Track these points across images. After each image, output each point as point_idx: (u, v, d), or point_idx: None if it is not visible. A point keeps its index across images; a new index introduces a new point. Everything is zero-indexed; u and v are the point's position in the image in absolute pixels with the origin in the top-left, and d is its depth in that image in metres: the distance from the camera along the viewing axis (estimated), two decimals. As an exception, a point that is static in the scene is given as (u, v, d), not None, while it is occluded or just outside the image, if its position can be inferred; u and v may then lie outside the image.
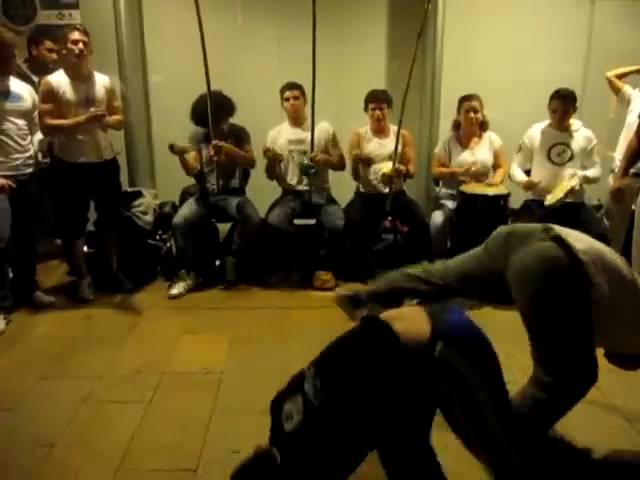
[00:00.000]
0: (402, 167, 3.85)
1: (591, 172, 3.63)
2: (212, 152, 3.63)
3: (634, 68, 3.73)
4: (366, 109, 3.96)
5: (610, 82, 3.81)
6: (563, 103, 3.58)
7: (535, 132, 3.74)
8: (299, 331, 3.19)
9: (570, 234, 1.79)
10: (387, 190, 3.87)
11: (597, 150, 3.70)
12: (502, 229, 1.94)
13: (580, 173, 3.59)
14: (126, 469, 2.09)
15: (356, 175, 4.06)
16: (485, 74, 4.44)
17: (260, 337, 3.14)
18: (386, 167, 3.84)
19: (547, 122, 3.72)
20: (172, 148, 3.57)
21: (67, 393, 2.59)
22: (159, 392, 2.60)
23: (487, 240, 1.97)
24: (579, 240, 1.77)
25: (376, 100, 3.90)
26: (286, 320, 3.37)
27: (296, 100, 3.91)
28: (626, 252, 3.35)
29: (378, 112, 3.88)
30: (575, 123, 3.69)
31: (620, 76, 3.77)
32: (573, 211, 3.62)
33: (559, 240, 1.73)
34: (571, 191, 3.54)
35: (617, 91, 3.78)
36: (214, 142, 3.61)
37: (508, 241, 1.86)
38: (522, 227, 1.95)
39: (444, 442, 2.21)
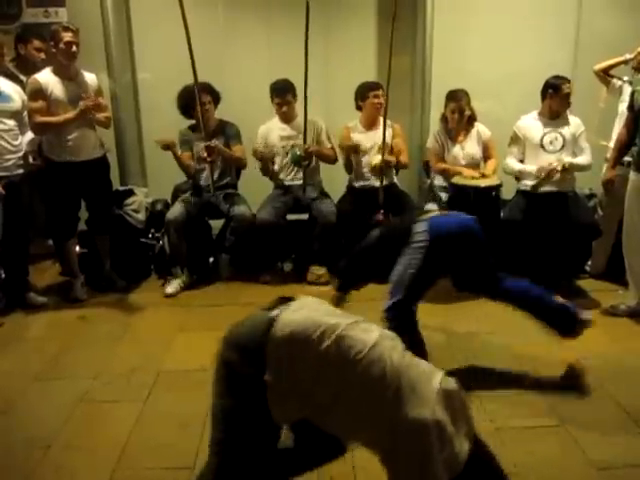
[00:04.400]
0: (391, 158, 3.84)
1: (580, 159, 3.63)
2: (205, 154, 3.63)
3: (619, 59, 3.72)
4: (363, 100, 3.94)
5: (598, 76, 3.81)
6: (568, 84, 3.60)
7: (525, 123, 3.74)
8: (294, 326, 3.19)
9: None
10: (378, 183, 3.86)
11: (587, 137, 3.71)
12: None
13: (567, 159, 3.59)
14: (123, 468, 2.09)
15: (349, 168, 4.04)
16: (475, 64, 4.42)
17: (255, 333, 3.14)
18: (375, 159, 3.83)
19: (535, 112, 3.73)
20: (165, 146, 3.62)
21: (62, 393, 2.58)
22: (155, 390, 2.59)
23: None
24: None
25: (374, 87, 3.88)
26: (281, 315, 3.36)
27: (288, 105, 3.88)
28: (618, 241, 3.37)
29: (378, 99, 3.85)
30: None
31: (607, 69, 3.77)
32: (564, 200, 3.62)
33: None
34: (555, 172, 3.54)
35: (607, 84, 3.79)
36: (207, 143, 3.61)
37: None
38: None
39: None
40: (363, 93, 3.92)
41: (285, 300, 1.59)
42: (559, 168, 3.53)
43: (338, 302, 2.77)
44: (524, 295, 2.58)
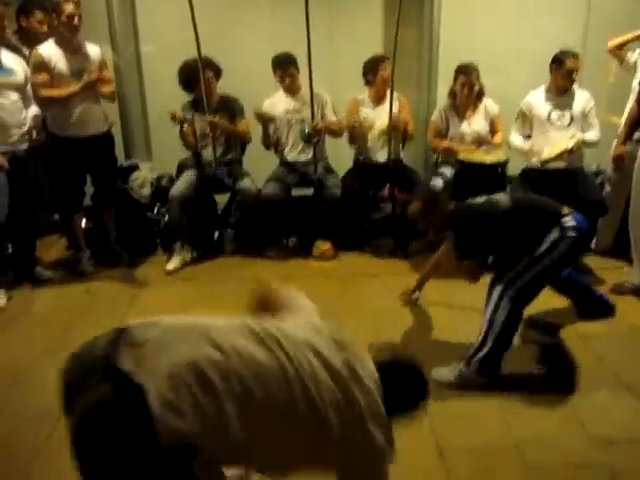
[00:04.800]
0: (398, 122, 3.81)
1: (589, 135, 3.60)
2: (208, 129, 3.61)
3: (634, 35, 3.64)
4: (374, 75, 3.87)
5: (612, 53, 3.73)
6: (573, 59, 3.51)
7: (533, 98, 3.69)
8: (299, 301, 3.20)
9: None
10: (384, 158, 3.83)
11: (597, 113, 3.67)
12: None
13: (579, 135, 3.55)
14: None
15: (352, 139, 4.01)
16: (483, 39, 4.35)
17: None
18: (381, 123, 3.80)
19: (543, 87, 3.67)
20: (174, 118, 3.60)
21: (70, 366, 2.61)
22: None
23: None
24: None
25: (384, 60, 3.81)
26: (286, 291, 3.38)
27: (291, 77, 3.84)
28: (625, 219, 3.36)
29: (386, 72, 3.78)
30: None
31: (621, 45, 3.69)
32: (571, 177, 3.60)
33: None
34: (570, 152, 3.51)
35: (621, 61, 3.71)
36: (209, 119, 3.59)
37: None
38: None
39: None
40: (373, 67, 3.85)
41: (120, 335, 1.26)
42: (575, 148, 3.49)
43: (473, 271, 2.62)
44: (577, 283, 2.94)
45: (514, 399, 2.31)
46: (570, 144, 3.50)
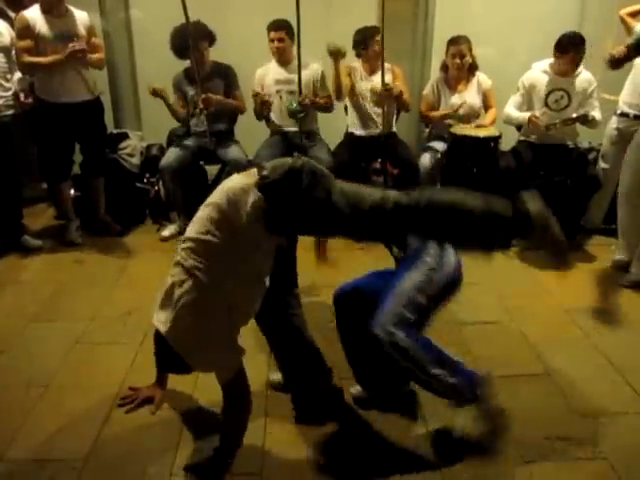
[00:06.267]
0: (392, 85, 3.71)
1: (593, 113, 3.54)
2: (202, 105, 3.57)
3: None
4: (366, 48, 3.77)
5: (623, 21, 3.64)
6: (576, 52, 3.44)
7: (534, 74, 3.64)
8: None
9: None
10: (378, 130, 3.80)
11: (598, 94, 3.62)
12: None
13: (582, 111, 3.51)
14: (119, 408, 2.14)
15: (338, 94, 3.82)
16: (479, 11, 4.28)
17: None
18: (376, 84, 3.72)
19: (547, 62, 3.61)
20: (155, 92, 3.56)
21: (58, 335, 2.62)
22: (150, 334, 2.61)
23: None
24: None
25: (376, 31, 3.65)
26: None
27: (281, 42, 3.75)
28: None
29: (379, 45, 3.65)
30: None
31: (634, 14, 3.60)
32: (564, 153, 3.60)
33: None
34: (573, 121, 3.49)
35: (629, 30, 3.64)
36: (203, 96, 3.55)
37: None
38: None
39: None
40: (365, 40, 3.76)
41: None
42: (578, 121, 3.47)
43: None
44: None
45: (498, 373, 2.33)
46: (574, 114, 3.49)
